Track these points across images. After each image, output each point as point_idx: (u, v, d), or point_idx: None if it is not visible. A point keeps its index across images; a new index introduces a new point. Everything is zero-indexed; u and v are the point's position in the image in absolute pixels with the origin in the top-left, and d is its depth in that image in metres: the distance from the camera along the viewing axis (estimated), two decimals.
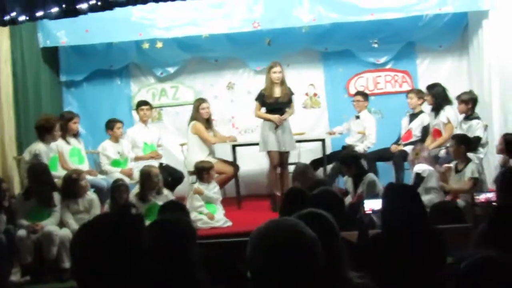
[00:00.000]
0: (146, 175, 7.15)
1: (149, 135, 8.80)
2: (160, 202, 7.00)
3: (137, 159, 8.53)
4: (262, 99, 8.09)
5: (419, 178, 7.21)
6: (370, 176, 7.17)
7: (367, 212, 5.67)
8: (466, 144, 7.16)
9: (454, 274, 2.37)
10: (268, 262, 2.02)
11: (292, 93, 8.19)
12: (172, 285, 2.58)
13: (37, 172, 6.84)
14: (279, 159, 8.04)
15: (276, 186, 8.05)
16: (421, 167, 7.28)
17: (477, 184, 6.92)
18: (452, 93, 8.27)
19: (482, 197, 6.29)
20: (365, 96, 8.82)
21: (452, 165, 7.27)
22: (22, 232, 6.50)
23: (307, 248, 2.05)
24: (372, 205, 5.52)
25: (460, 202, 6.85)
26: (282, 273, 2.00)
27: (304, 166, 7.43)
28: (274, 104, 8.01)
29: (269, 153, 8.12)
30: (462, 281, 2.28)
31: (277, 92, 8.04)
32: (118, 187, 7.01)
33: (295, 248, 2.03)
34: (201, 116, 8.56)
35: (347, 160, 7.36)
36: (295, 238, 2.05)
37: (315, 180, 6.99)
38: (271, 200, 8.08)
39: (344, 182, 7.52)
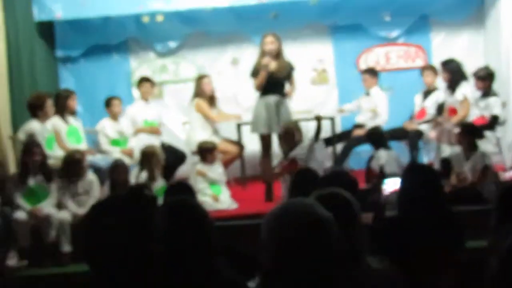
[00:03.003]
0: (151, 154, 6.94)
1: (150, 112, 8.48)
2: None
3: (138, 131, 8.25)
4: (256, 74, 7.38)
5: (448, 165, 6.87)
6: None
7: (386, 192, 5.49)
8: (473, 134, 6.82)
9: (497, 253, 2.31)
10: (281, 244, 1.98)
11: (291, 68, 7.48)
12: (191, 272, 2.46)
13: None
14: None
15: (271, 174, 7.34)
16: (445, 151, 7.00)
17: (488, 170, 6.59)
18: (468, 69, 7.93)
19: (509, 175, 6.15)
20: (373, 73, 8.49)
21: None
22: (20, 215, 6.32)
23: (324, 229, 2.00)
24: (395, 185, 5.33)
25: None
26: (297, 255, 1.96)
27: (293, 124, 7.00)
28: (268, 79, 7.26)
29: (260, 135, 7.52)
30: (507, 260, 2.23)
31: (272, 65, 7.28)
32: (116, 168, 6.82)
33: (310, 229, 1.98)
34: (204, 92, 8.23)
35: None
36: (310, 219, 2.00)
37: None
38: (266, 190, 7.30)
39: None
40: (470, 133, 6.78)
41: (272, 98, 7.34)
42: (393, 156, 6.92)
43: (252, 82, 7.49)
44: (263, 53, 7.32)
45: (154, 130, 8.37)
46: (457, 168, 6.69)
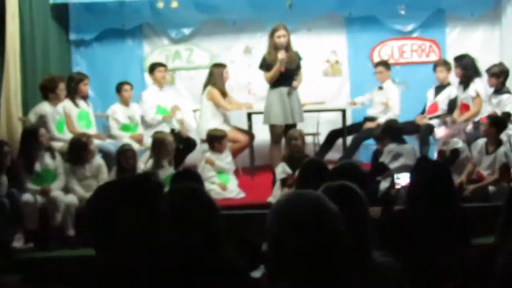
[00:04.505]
0: (160, 141, 6.89)
1: (164, 98, 8.42)
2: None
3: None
4: (267, 67, 7.46)
5: (456, 153, 6.84)
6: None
7: (397, 187, 5.46)
8: (499, 127, 6.72)
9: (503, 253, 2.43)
10: (287, 236, 1.95)
11: (300, 58, 7.58)
12: (198, 259, 2.45)
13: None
14: (285, 132, 7.37)
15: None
16: (458, 142, 6.93)
17: (507, 169, 6.50)
18: (483, 65, 7.84)
19: None
20: (387, 65, 8.42)
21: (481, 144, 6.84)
22: (27, 197, 6.31)
23: (329, 222, 1.96)
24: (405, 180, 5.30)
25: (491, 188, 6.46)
26: (300, 247, 1.93)
27: (297, 133, 6.96)
28: (281, 72, 7.33)
29: (271, 126, 7.58)
30: None
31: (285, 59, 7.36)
32: (124, 152, 6.72)
33: (315, 222, 1.94)
34: (223, 82, 8.21)
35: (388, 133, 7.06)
36: (316, 211, 1.96)
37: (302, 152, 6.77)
38: (274, 178, 7.13)
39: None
40: (497, 125, 6.69)
41: (284, 90, 7.40)
42: (408, 149, 6.90)
43: (263, 74, 7.53)
44: (274, 46, 7.35)
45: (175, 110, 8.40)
46: (477, 161, 6.65)
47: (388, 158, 6.71)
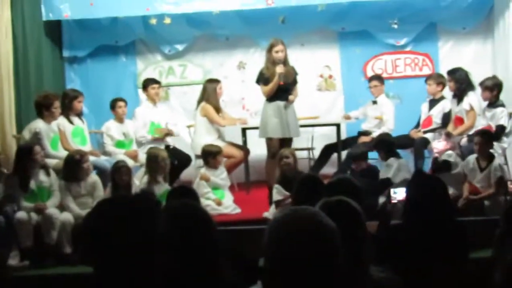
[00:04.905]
0: (154, 157, 6.86)
1: (158, 114, 8.42)
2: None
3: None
4: (265, 81, 7.49)
5: (447, 165, 6.84)
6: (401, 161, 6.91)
7: (394, 201, 5.45)
8: (490, 141, 6.77)
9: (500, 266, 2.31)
10: (284, 252, 1.94)
11: (296, 73, 7.64)
12: (195, 275, 2.46)
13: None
14: (281, 147, 7.34)
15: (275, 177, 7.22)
16: (451, 155, 6.94)
17: (503, 182, 6.52)
18: (475, 78, 7.84)
19: None
20: (381, 80, 8.45)
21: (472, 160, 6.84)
22: (21, 215, 6.23)
23: (326, 239, 1.95)
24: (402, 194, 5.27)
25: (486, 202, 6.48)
26: (298, 263, 1.91)
27: (289, 151, 6.87)
28: (278, 86, 7.39)
29: (268, 140, 7.59)
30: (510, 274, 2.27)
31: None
32: (119, 169, 6.67)
33: (312, 238, 1.93)
34: (217, 97, 8.20)
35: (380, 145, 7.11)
36: (313, 228, 1.96)
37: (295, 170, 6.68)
38: (269, 193, 7.11)
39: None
40: (491, 141, 6.71)
41: (281, 104, 7.43)
42: (404, 164, 6.91)
43: (261, 89, 7.56)
44: (272, 61, 7.39)
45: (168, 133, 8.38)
46: (470, 178, 6.61)
47: (391, 173, 6.71)
